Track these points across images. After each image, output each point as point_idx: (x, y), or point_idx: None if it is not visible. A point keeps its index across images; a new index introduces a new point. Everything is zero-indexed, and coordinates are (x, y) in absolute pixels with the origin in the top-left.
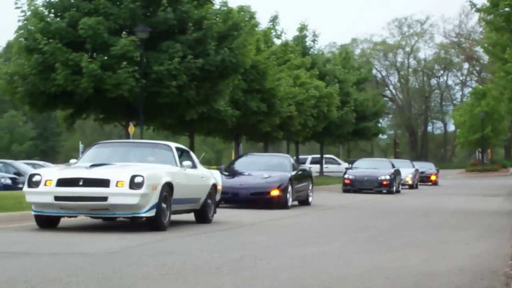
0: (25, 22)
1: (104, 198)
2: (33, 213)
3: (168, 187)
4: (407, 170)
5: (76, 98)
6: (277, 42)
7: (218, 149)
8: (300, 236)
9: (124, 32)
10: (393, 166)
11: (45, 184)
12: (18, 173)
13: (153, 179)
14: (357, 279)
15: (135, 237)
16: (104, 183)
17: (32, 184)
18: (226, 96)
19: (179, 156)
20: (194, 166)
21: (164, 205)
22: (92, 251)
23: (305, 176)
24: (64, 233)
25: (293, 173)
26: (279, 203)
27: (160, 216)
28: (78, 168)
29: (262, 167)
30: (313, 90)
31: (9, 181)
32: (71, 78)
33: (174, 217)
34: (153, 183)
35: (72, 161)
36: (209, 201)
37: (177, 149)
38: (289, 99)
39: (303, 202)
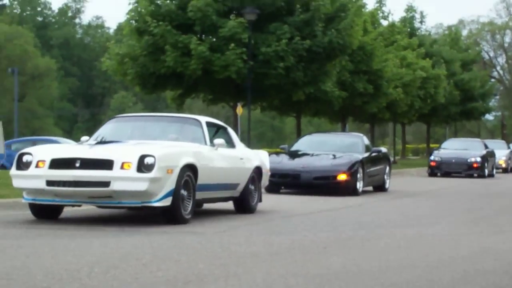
0: (136, 4)
1: (106, 183)
2: (24, 201)
3: (191, 170)
4: (500, 152)
5: (185, 79)
6: (384, 23)
7: (324, 130)
8: (406, 217)
9: (232, 14)
10: (486, 147)
11: (36, 166)
12: None
13: (169, 160)
14: (465, 260)
15: (243, 217)
16: (107, 164)
17: (22, 165)
18: (333, 77)
19: (214, 133)
20: (231, 145)
21: (184, 192)
22: (202, 230)
23: (380, 158)
24: None
25: (365, 155)
26: (347, 189)
27: (178, 206)
28: (78, 146)
29: (330, 148)
30: (420, 71)
31: None
32: (181, 60)
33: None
34: (168, 165)
35: (83, 138)
36: (251, 186)
37: (210, 124)
38: (396, 80)
39: (378, 187)
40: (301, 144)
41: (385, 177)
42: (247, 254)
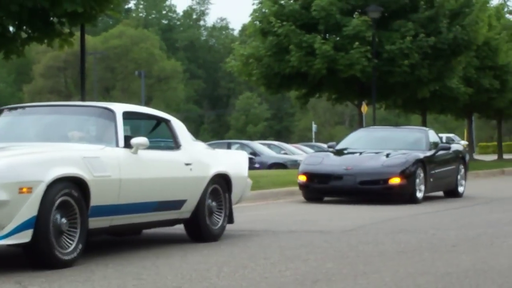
0: (260, 5)
1: None
2: None
3: (75, 186)
4: None
5: (309, 78)
6: (510, 17)
7: (450, 127)
8: None
9: (356, 13)
10: None
11: None
12: (254, 153)
13: (21, 174)
14: None
15: (370, 215)
16: None
17: None
18: (458, 73)
19: (153, 129)
20: (174, 144)
21: (60, 220)
22: (329, 229)
23: (451, 157)
24: (301, 212)
25: (429, 153)
26: (402, 195)
27: (47, 242)
28: None
29: (387, 145)
30: None
31: None
32: (305, 59)
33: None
34: (20, 180)
35: None
36: (211, 203)
37: (134, 116)
38: None
39: (450, 192)
40: (352, 141)
41: (458, 180)
42: (375, 253)
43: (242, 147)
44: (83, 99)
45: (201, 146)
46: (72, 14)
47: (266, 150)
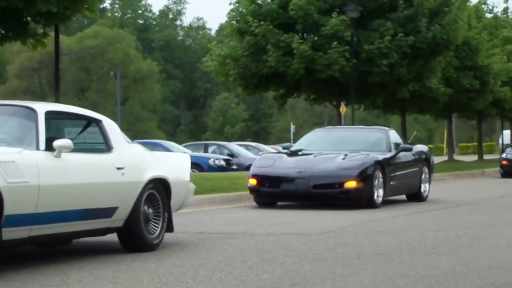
0: (237, 5)
1: None
2: None
3: None
4: None
5: (287, 79)
6: (489, 17)
7: (430, 128)
8: None
9: (334, 12)
10: None
11: None
12: (232, 155)
13: None
14: None
15: (349, 217)
16: None
17: None
18: (438, 74)
19: (81, 131)
20: (105, 147)
21: None
22: (307, 232)
23: (413, 159)
24: (279, 214)
25: (388, 154)
26: (359, 200)
27: None
28: None
29: (345, 146)
30: None
31: (223, 163)
32: (283, 60)
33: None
34: None
35: None
36: (148, 210)
37: (59, 115)
38: (503, 76)
39: (412, 196)
40: (308, 142)
41: (421, 182)
42: (353, 255)
43: (219, 148)
44: (57, 100)
45: (137, 148)
46: (46, 14)
47: (244, 151)
